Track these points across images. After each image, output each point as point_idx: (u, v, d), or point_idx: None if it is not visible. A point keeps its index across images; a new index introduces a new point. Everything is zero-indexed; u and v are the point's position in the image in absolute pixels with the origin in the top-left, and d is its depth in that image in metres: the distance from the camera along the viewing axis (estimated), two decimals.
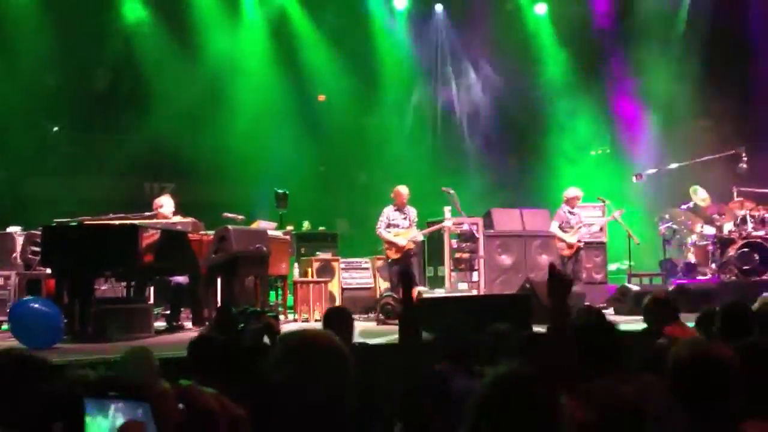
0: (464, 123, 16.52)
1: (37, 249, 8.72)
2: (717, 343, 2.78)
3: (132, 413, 0.75)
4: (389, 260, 10.19)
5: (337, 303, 10.72)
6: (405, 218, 10.25)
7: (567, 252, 10.88)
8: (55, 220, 9.00)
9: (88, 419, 0.79)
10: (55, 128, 13.54)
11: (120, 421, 0.75)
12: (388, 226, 10.20)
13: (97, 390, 2.32)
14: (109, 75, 14.77)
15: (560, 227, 10.94)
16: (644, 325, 5.34)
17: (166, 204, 9.61)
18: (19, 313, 6.96)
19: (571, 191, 11.17)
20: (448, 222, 10.80)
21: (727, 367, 2.46)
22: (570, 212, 11.06)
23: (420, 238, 10.54)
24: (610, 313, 9.90)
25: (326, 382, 2.10)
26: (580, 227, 10.99)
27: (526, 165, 16.35)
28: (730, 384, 2.44)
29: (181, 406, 0.73)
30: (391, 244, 10.12)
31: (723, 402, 2.42)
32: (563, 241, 10.87)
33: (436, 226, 10.90)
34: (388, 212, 10.28)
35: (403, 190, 10.31)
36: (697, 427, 2.42)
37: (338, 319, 4.84)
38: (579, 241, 10.91)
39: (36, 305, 6.96)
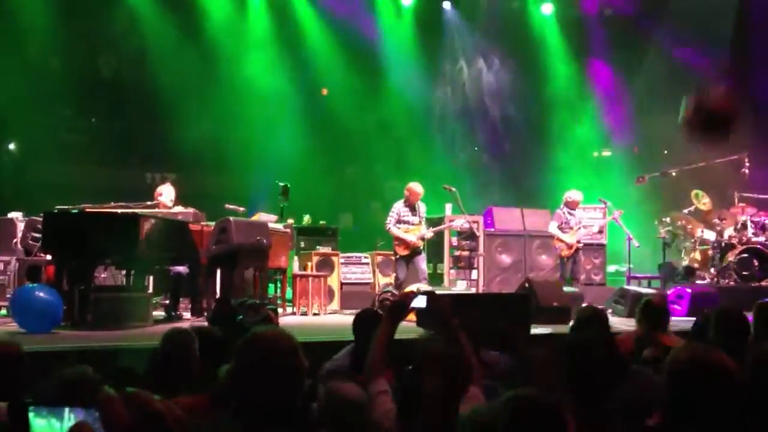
0: (467, 120, 16.51)
1: (38, 235, 8.72)
2: (715, 349, 2.77)
3: (85, 418, 0.76)
4: (398, 256, 10.17)
5: (336, 297, 10.75)
6: (415, 215, 10.21)
7: (566, 253, 10.88)
8: (57, 206, 9.01)
9: (42, 421, 0.80)
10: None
11: (70, 423, 0.76)
12: (398, 222, 10.14)
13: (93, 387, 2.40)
14: (113, 63, 14.77)
15: (559, 228, 10.95)
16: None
17: (165, 192, 9.61)
18: (21, 298, 7.06)
19: (573, 194, 11.15)
20: (459, 221, 10.79)
21: (725, 374, 2.45)
22: (569, 213, 11.06)
23: (429, 235, 10.50)
24: (608, 315, 9.91)
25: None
26: (579, 228, 11.00)
27: (527, 164, 16.35)
28: (728, 390, 2.44)
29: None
30: (401, 241, 10.07)
31: (721, 409, 2.42)
32: (562, 241, 10.87)
33: (447, 225, 10.88)
34: (399, 208, 10.20)
35: (417, 188, 10.22)
36: (693, 429, 2.42)
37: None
38: (578, 242, 10.92)
39: (37, 292, 7.04)
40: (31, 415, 0.76)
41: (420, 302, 3.22)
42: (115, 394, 0.65)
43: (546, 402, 2.04)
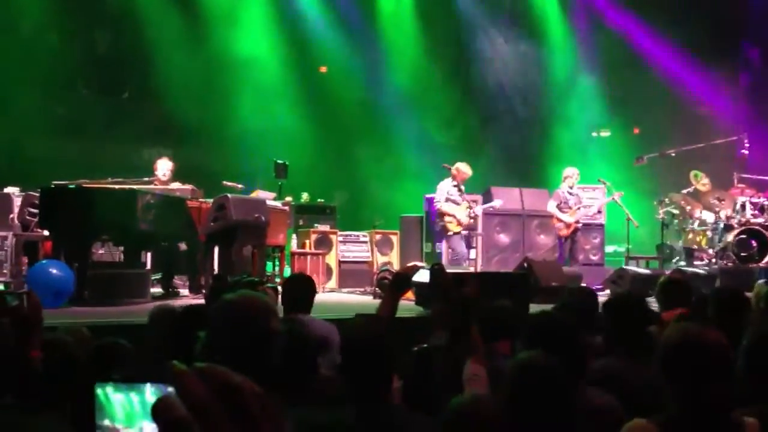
0: (466, 100, 16.42)
1: (35, 210, 8.68)
2: (707, 327, 2.76)
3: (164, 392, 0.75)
4: (451, 233, 10.31)
5: (334, 276, 10.74)
6: (461, 194, 10.40)
7: (564, 232, 10.88)
8: (54, 182, 8.96)
9: (119, 395, 0.79)
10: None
11: (153, 398, 0.75)
12: (447, 200, 10.33)
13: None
14: (110, 37, 14.65)
15: (558, 207, 10.93)
16: None
17: (159, 167, 9.58)
18: (36, 273, 7.15)
19: (567, 170, 11.19)
20: (497, 202, 11.10)
21: (717, 351, 2.44)
22: (569, 192, 11.04)
23: (479, 212, 10.86)
24: (605, 295, 9.92)
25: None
26: (578, 208, 10.98)
27: (527, 144, 16.30)
28: (719, 368, 2.42)
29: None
30: (453, 216, 10.22)
31: (712, 386, 2.40)
32: (561, 221, 10.86)
33: (493, 204, 11.10)
34: (447, 187, 10.39)
35: (466, 168, 10.45)
36: (688, 411, 2.40)
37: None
38: (577, 222, 10.91)
39: (51, 269, 7.10)
40: (109, 389, 0.75)
41: (422, 276, 3.20)
42: (188, 368, 0.63)
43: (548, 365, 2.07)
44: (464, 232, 10.49)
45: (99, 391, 0.81)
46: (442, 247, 10.98)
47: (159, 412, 0.66)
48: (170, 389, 0.69)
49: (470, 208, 10.44)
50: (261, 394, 0.68)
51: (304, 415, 2.39)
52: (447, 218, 10.27)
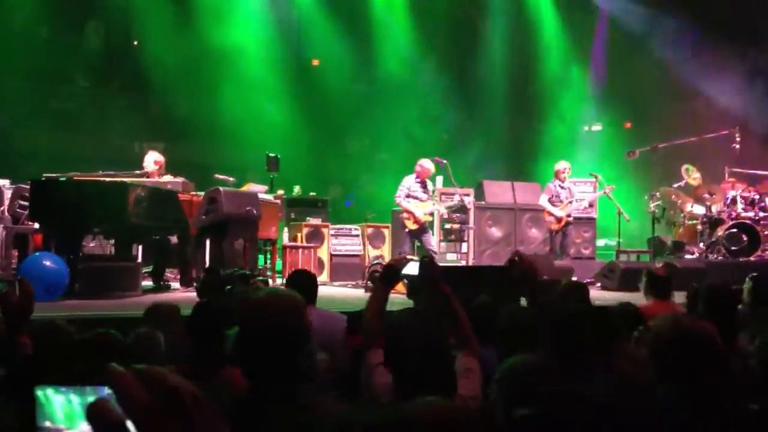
0: (458, 94, 16.42)
1: (26, 203, 8.64)
2: (699, 319, 2.77)
3: (88, 395, 0.74)
4: (407, 230, 10.19)
5: (326, 269, 10.74)
6: (425, 191, 10.28)
7: (555, 226, 10.90)
8: (45, 174, 8.92)
9: (60, 397, 0.78)
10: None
11: (90, 398, 0.74)
12: (408, 196, 10.20)
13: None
14: (102, 30, 14.59)
15: (550, 201, 10.95)
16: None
17: (147, 160, 9.54)
18: (30, 266, 7.10)
19: (559, 164, 11.22)
20: (468, 199, 10.87)
21: (708, 343, 2.44)
22: (560, 186, 11.05)
23: (442, 211, 10.62)
24: (597, 288, 9.96)
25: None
26: (569, 202, 11.00)
27: (519, 138, 16.32)
28: (710, 360, 2.43)
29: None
30: (410, 214, 10.10)
31: (703, 377, 2.41)
32: (552, 214, 10.89)
33: (458, 203, 10.86)
34: (410, 182, 10.27)
35: (428, 164, 10.31)
36: (681, 402, 2.41)
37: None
38: (568, 215, 10.93)
39: (46, 261, 7.09)
40: (50, 390, 0.74)
41: (412, 269, 3.18)
42: (125, 370, 0.62)
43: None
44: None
45: (39, 392, 0.80)
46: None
47: (93, 415, 0.65)
48: (108, 391, 0.69)
49: (435, 203, 10.31)
50: (198, 395, 0.68)
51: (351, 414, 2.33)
52: (404, 215, 10.21)
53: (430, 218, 10.33)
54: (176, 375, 0.68)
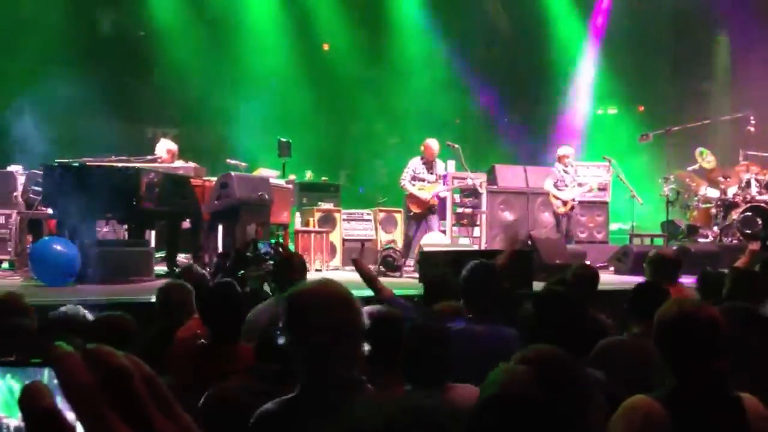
0: (470, 78, 16.34)
1: (39, 189, 8.67)
2: (704, 303, 2.74)
3: (32, 378, 0.66)
4: (410, 213, 10.08)
5: (338, 254, 10.74)
6: (432, 172, 10.06)
7: (562, 210, 10.87)
8: (57, 160, 8.94)
9: (15, 383, 0.71)
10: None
11: (18, 385, 0.66)
12: (413, 179, 10.00)
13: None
14: (113, 16, 14.60)
15: (555, 185, 10.91)
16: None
17: (159, 148, 9.55)
18: (40, 251, 7.25)
19: (561, 149, 11.17)
20: (477, 180, 10.62)
21: (713, 328, 2.42)
22: (564, 170, 10.99)
23: (445, 193, 10.42)
24: (610, 273, 9.93)
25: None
26: (574, 185, 10.95)
27: (532, 122, 16.25)
28: (715, 343, 2.40)
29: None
30: (414, 198, 9.96)
31: (708, 362, 2.39)
32: (558, 198, 10.85)
33: (463, 184, 10.75)
34: (415, 165, 10.04)
35: (433, 144, 10.05)
36: (685, 387, 2.39)
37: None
38: (573, 199, 10.88)
39: (56, 245, 7.18)
40: (8, 375, 0.69)
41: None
42: (71, 350, 0.58)
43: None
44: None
45: None
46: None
47: (21, 401, 0.60)
48: (46, 374, 0.63)
49: (441, 183, 10.03)
50: (153, 377, 0.62)
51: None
52: (408, 199, 10.03)
53: (436, 201, 10.08)
54: (130, 357, 0.62)
